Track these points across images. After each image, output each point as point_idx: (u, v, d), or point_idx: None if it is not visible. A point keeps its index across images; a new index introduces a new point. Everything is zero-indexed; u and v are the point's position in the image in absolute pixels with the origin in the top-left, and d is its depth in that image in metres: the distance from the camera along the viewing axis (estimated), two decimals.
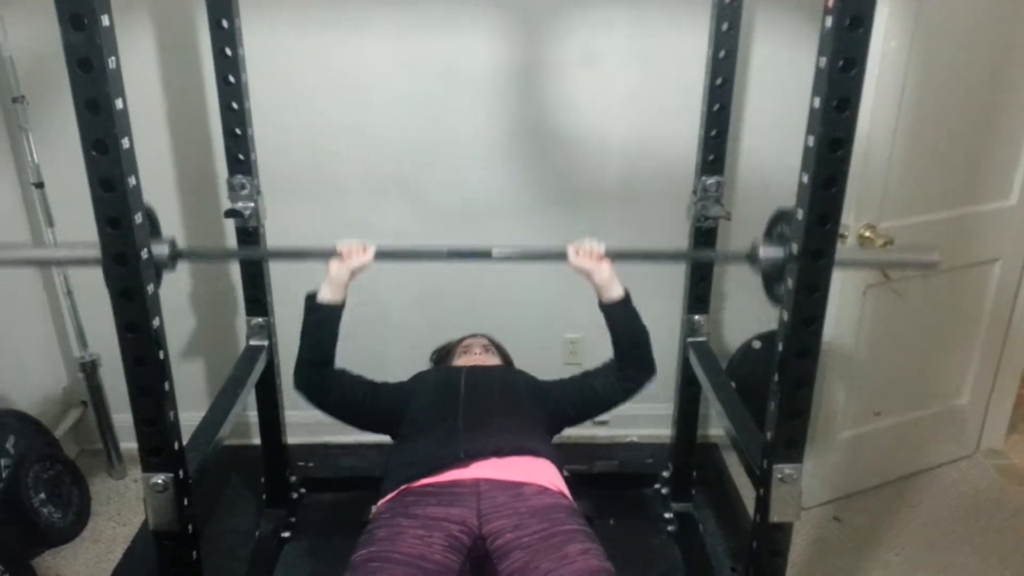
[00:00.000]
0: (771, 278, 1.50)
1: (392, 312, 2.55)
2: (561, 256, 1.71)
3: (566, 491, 1.68)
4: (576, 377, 1.94)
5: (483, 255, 1.66)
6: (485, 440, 1.70)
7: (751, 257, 1.49)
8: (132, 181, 1.25)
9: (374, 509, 1.69)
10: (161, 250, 1.40)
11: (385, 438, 1.96)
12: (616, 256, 1.72)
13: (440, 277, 2.50)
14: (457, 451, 1.68)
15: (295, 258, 1.72)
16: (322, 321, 1.73)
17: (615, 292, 1.75)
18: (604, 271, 1.72)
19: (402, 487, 1.65)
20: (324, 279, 1.70)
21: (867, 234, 1.99)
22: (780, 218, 1.47)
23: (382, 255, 1.69)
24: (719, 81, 1.90)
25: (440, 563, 1.47)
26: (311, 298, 1.74)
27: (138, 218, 1.28)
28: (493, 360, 2.09)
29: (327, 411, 1.85)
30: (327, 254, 1.68)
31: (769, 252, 1.45)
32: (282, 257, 1.68)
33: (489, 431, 1.74)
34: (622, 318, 1.78)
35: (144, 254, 1.31)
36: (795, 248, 1.34)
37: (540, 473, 1.68)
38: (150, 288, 1.33)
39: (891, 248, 1.74)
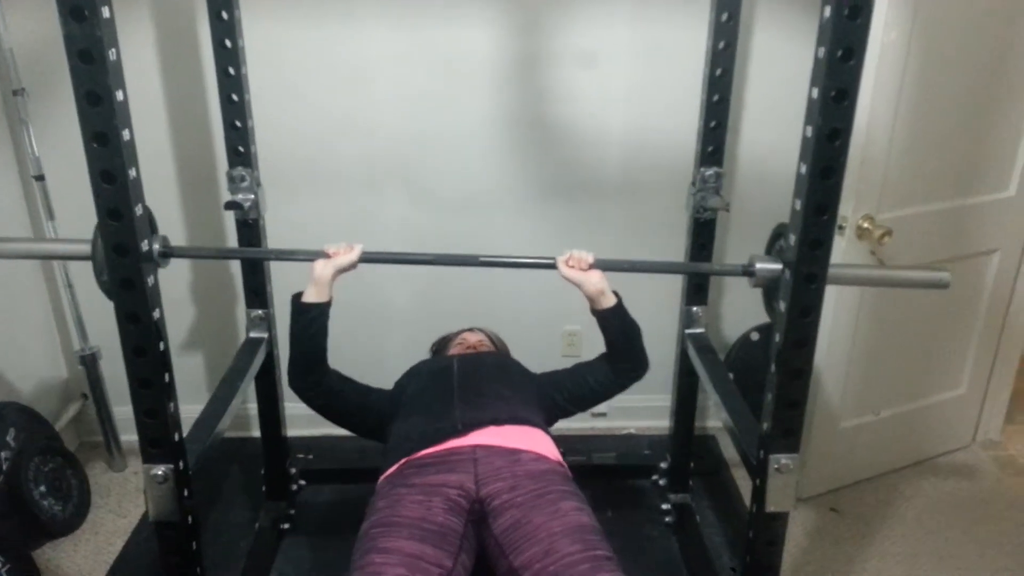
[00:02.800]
0: (769, 293, 1.49)
1: (392, 306, 2.56)
2: (550, 266, 1.69)
3: (562, 460, 1.71)
4: (569, 369, 1.95)
5: (470, 261, 1.66)
6: (482, 411, 1.73)
7: (748, 271, 1.47)
8: (133, 173, 1.25)
9: (378, 483, 1.70)
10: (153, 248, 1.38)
11: None
12: (606, 267, 1.71)
13: (440, 271, 2.50)
14: (454, 423, 1.70)
15: (284, 259, 1.72)
16: (311, 321, 1.73)
17: (606, 302, 1.75)
18: (594, 281, 1.71)
19: (402, 461, 1.67)
20: (309, 279, 1.70)
21: (865, 225, 1.99)
22: (781, 234, 1.44)
23: (368, 258, 1.68)
24: (719, 72, 1.90)
25: (442, 524, 1.50)
26: (296, 299, 1.74)
27: (139, 210, 1.28)
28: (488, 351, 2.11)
29: (321, 411, 1.87)
30: (315, 255, 1.68)
31: (767, 266, 1.43)
32: (271, 258, 1.68)
33: (485, 402, 1.76)
34: (615, 324, 1.80)
35: (144, 246, 1.31)
36: (792, 239, 1.34)
37: (537, 442, 1.70)
38: (150, 280, 1.34)
39: (902, 267, 1.70)
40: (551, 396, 1.92)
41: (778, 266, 1.41)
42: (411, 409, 1.83)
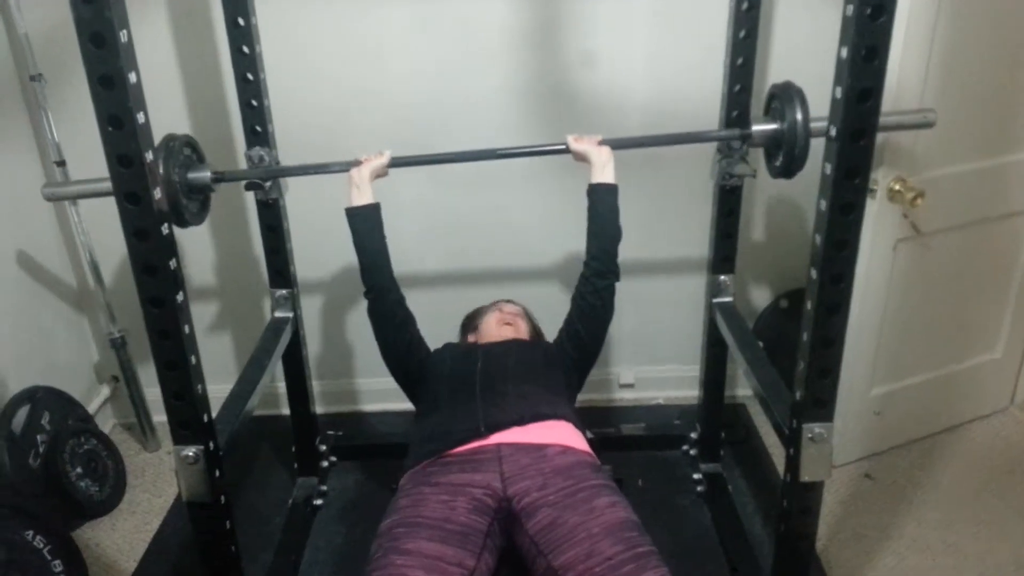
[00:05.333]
0: (769, 151, 1.63)
1: (415, 277, 2.54)
2: (562, 149, 1.80)
3: (589, 450, 1.70)
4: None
5: (489, 155, 1.85)
6: (505, 412, 1.71)
7: (744, 135, 1.62)
8: (149, 156, 1.25)
9: (401, 481, 1.71)
10: (204, 176, 1.61)
11: (411, 405, 1.98)
12: (616, 144, 1.81)
13: (463, 243, 2.50)
14: (477, 425, 1.69)
15: (321, 172, 1.85)
16: (364, 220, 1.80)
17: (608, 176, 1.81)
18: (603, 154, 1.80)
19: (424, 461, 1.67)
20: (349, 189, 1.80)
21: (897, 187, 1.94)
22: (774, 96, 1.59)
23: (397, 162, 1.81)
24: (742, 34, 1.85)
25: (465, 524, 1.49)
26: (348, 209, 1.81)
27: (156, 193, 1.27)
28: (521, 327, 2.10)
29: (388, 331, 1.88)
30: (349, 165, 1.79)
31: (763, 127, 1.57)
32: (310, 172, 1.86)
33: (507, 401, 1.74)
34: (606, 202, 1.82)
35: (165, 230, 1.31)
36: (824, 204, 1.31)
37: (562, 435, 1.69)
38: (172, 263, 1.33)
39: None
40: (565, 354, 1.93)
41: (774, 126, 1.56)
42: (432, 405, 1.83)
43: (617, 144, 1.81)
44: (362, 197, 1.79)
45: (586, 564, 1.39)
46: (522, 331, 2.10)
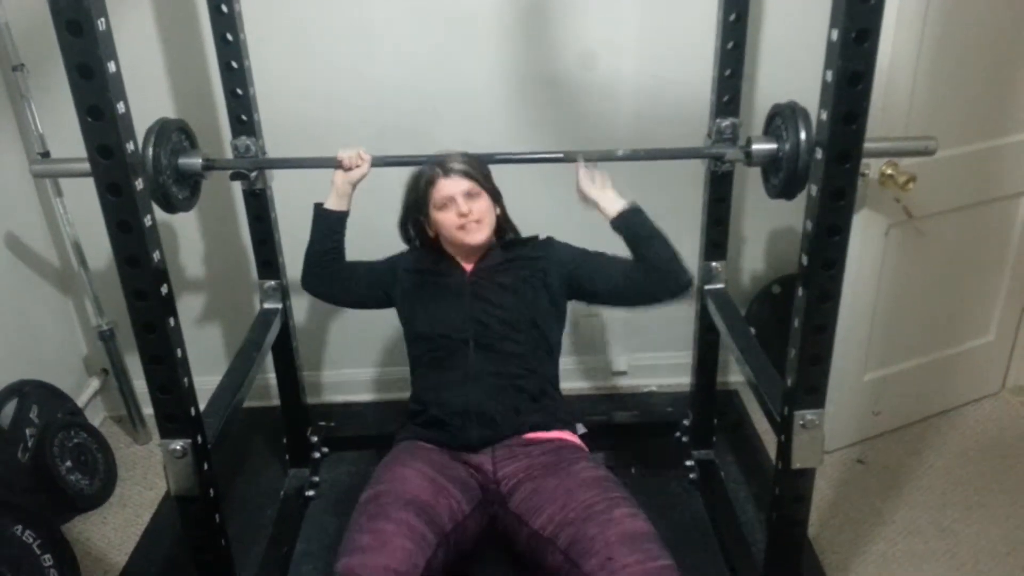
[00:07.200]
0: (767, 171, 1.61)
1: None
2: (558, 158, 1.77)
3: (582, 444, 1.75)
4: (611, 266, 1.79)
5: (484, 160, 1.81)
6: (499, 424, 1.69)
7: (745, 152, 1.59)
8: (130, 146, 1.23)
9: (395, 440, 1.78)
10: (195, 162, 1.62)
11: (404, 393, 1.97)
12: (618, 158, 1.77)
13: None
14: (471, 443, 1.68)
15: (304, 166, 1.84)
16: (330, 226, 1.83)
17: (622, 203, 1.72)
18: (608, 193, 1.75)
19: (417, 440, 1.73)
20: (331, 191, 1.81)
21: (889, 171, 1.93)
22: (776, 114, 1.55)
23: (388, 161, 1.79)
24: (733, 17, 1.83)
25: (446, 506, 1.53)
26: (319, 206, 1.83)
27: (139, 184, 1.25)
28: (486, 223, 1.79)
29: (329, 302, 1.99)
30: (329, 163, 1.78)
31: (762, 146, 1.56)
32: (293, 166, 1.86)
33: (502, 401, 1.71)
34: (639, 224, 1.70)
35: (148, 221, 1.29)
36: (814, 189, 1.30)
37: (554, 434, 1.73)
38: (156, 255, 1.32)
39: (887, 137, 1.65)
40: (585, 286, 1.80)
41: (773, 146, 1.54)
42: (424, 380, 1.80)
43: (618, 158, 1.76)
44: (339, 204, 1.81)
45: (562, 513, 1.46)
46: (486, 227, 1.77)
